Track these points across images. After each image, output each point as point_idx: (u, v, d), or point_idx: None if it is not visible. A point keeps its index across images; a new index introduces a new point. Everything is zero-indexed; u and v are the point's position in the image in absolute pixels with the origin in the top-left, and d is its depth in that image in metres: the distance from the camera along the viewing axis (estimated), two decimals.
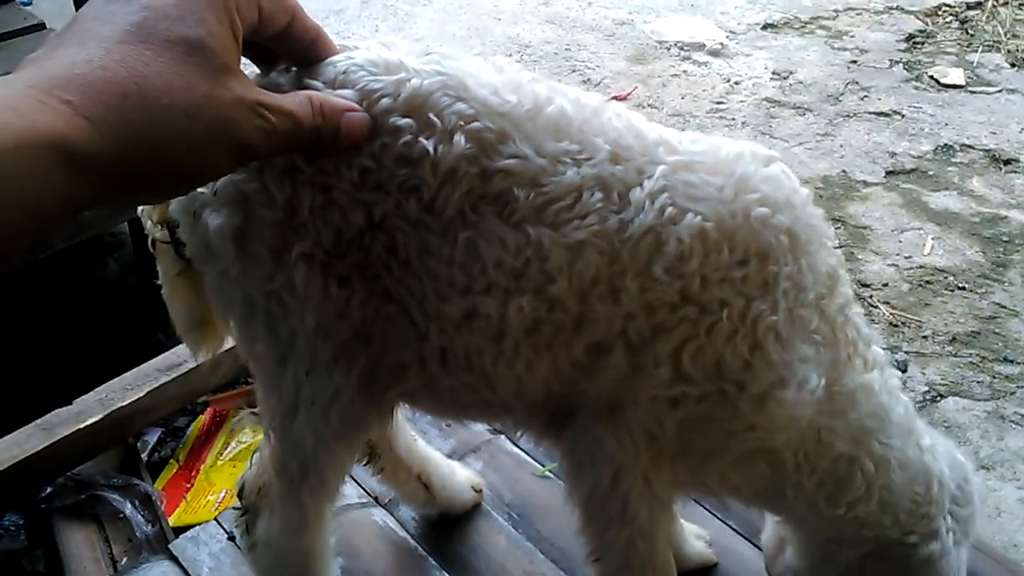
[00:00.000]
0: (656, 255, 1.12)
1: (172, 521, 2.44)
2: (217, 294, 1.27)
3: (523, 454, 2.07)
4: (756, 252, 1.14)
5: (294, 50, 1.08)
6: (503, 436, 2.11)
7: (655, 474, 1.27)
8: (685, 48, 5.81)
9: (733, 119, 4.97)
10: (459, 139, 1.09)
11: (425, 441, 1.87)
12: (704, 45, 5.81)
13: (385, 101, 1.09)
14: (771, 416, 1.19)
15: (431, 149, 1.09)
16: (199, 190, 1.17)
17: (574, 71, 5.64)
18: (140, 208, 1.30)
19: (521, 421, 1.33)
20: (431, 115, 1.10)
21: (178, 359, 2.31)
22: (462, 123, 1.10)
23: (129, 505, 2.37)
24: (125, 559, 2.21)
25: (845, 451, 1.27)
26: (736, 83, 5.36)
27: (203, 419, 2.81)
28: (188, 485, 2.63)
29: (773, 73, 5.46)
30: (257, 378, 1.33)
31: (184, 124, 0.83)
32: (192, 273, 1.31)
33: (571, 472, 1.31)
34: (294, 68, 1.11)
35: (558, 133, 1.13)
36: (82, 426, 2.20)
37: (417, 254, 1.13)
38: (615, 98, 5.19)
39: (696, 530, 1.82)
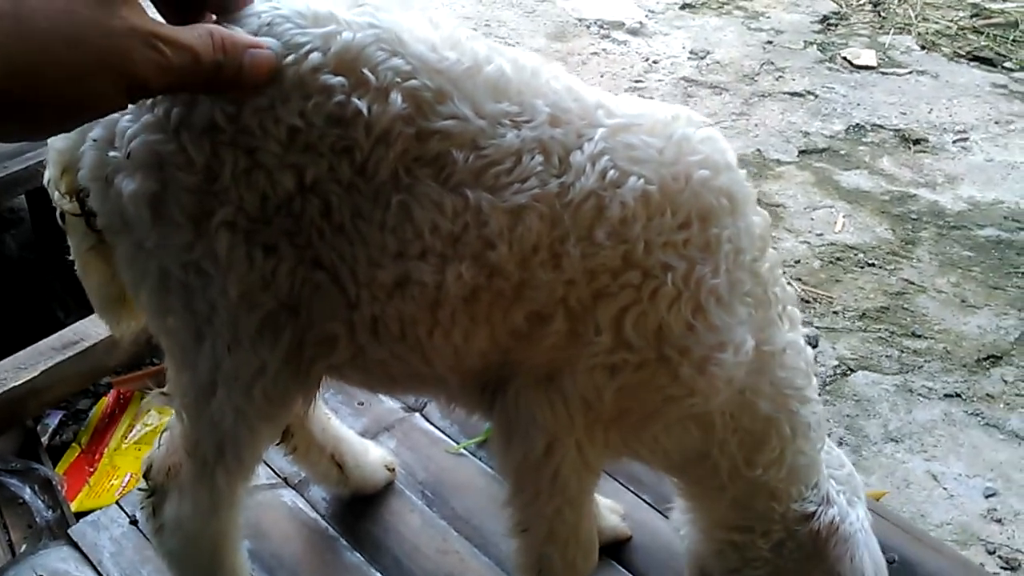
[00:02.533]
0: (598, 219, 1.10)
1: (75, 506, 2.36)
2: (129, 267, 1.20)
3: (437, 431, 2.04)
4: (698, 215, 1.13)
5: None
6: (417, 414, 2.08)
7: (588, 442, 1.25)
8: (605, 26, 5.80)
9: (651, 98, 4.98)
10: (395, 98, 1.05)
11: (337, 419, 1.82)
12: (623, 23, 5.81)
13: (315, 56, 1.04)
14: (711, 380, 1.19)
15: (365, 109, 1.05)
16: (110, 154, 1.10)
17: None
18: (46, 179, 1.22)
19: (455, 393, 1.31)
20: (365, 71, 1.05)
21: (75, 337, 2.20)
22: (398, 80, 1.06)
23: (28, 490, 2.30)
24: (24, 545, 2.13)
25: (766, 411, 1.28)
26: (654, 62, 5.37)
27: (106, 401, 2.73)
28: (91, 469, 2.54)
29: (691, 53, 5.48)
30: (168, 355, 1.26)
31: (65, 51, 0.78)
32: (106, 247, 1.23)
33: (502, 441, 1.29)
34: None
35: (497, 94, 1.10)
36: None
37: (350, 218, 1.09)
38: None
39: (610, 504, 1.82)
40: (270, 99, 1.04)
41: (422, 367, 1.20)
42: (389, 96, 1.05)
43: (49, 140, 1.20)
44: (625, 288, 1.13)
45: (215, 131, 1.05)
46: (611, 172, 1.10)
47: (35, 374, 2.14)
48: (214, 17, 1.03)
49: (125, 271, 1.22)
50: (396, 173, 1.08)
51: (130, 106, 0.94)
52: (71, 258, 1.30)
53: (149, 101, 1.07)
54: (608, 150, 1.11)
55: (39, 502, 2.28)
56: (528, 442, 1.25)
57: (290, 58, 1.04)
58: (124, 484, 2.44)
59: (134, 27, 0.82)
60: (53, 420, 2.67)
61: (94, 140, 1.12)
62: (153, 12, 0.93)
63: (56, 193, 1.22)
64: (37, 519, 2.23)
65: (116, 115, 1.09)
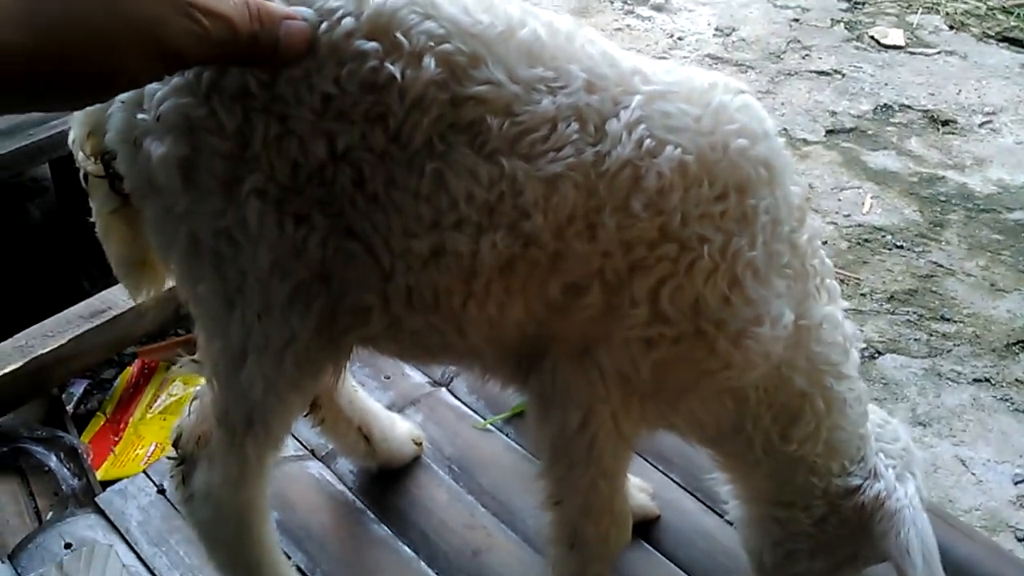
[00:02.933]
0: (635, 189, 1.08)
1: (100, 475, 2.37)
2: (158, 232, 1.18)
3: (464, 407, 2.03)
4: (735, 186, 1.11)
5: None
6: (443, 388, 2.07)
7: (623, 414, 1.24)
8: (629, 2, 5.75)
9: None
10: (428, 62, 1.03)
11: (365, 393, 1.81)
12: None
13: (348, 21, 1.02)
14: (748, 354, 1.17)
15: (398, 74, 1.03)
16: (139, 116, 1.08)
17: None
18: (71, 139, 1.20)
19: (489, 365, 1.29)
20: (398, 35, 1.03)
21: (102, 306, 2.19)
22: (432, 44, 1.04)
23: (54, 458, 2.30)
24: (51, 513, 2.14)
25: (800, 386, 1.26)
26: (679, 39, 5.33)
27: (131, 371, 2.73)
28: (116, 438, 2.55)
29: (716, 30, 5.43)
30: (199, 322, 1.25)
31: (102, 19, 0.76)
32: (129, 210, 1.22)
33: (538, 413, 1.28)
34: None
35: (532, 58, 1.07)
36: (1, 374, 2.09)
37: (383, 187, 1.07)
38: None
39: (639, 483, 1.81)
40: (304, 67, 1.02)
41: (457, 338, 1.19)
42: (423, 60, 1.03)
43: None
44: (662, 261, 1.11)
45: (247, 96, 1.03)
46: (647, 141, 1.08)
47: (62, 342, 2.14)
48: None
49: (154, 236, 1.20)
50: (430, 140, 1.06)
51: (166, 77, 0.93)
52: (93, 221, 1.28)
53: None
54: (644, 118, 1.09)
55: (65, 470, 2.28)
56: (564, 414, 1.24)
57: (323, 25, 1.02)
58: (149, 454, 2.44)
59: None
60: (78, 389, 2.68)
61: (122, 102, 1.11)
62: None
63: (81, 154, 1.21)
64: (63, 487, 2.24)
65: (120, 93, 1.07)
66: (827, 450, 1.31)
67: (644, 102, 1.09)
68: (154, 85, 1.06)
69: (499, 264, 1.10)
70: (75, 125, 1.19)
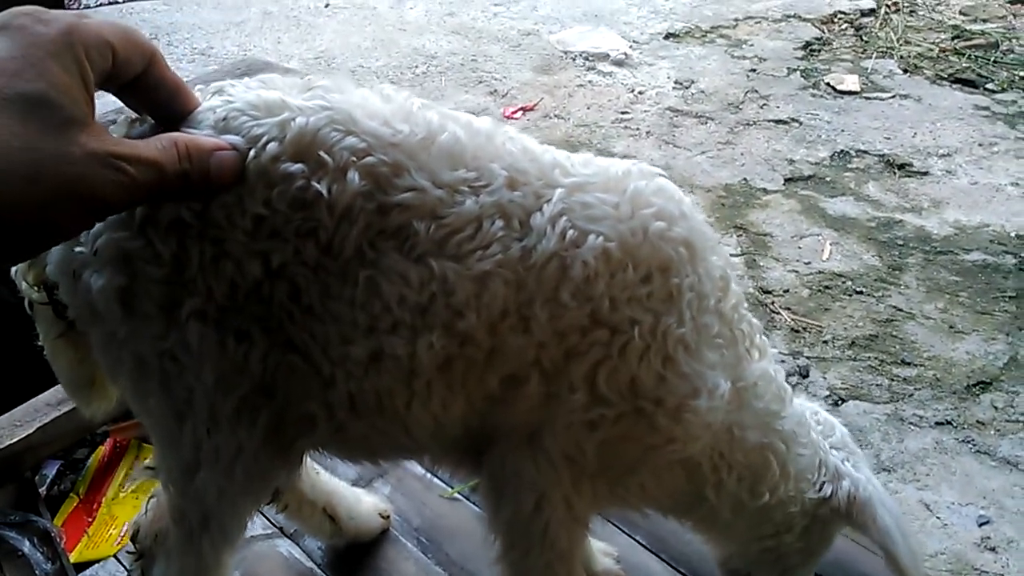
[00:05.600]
0: (563, 280, 1.12)
1: (73, 557, 2.35)
2: (105, 355, 1.21)
3: (431, 476, 2.05)
4: (658, 267, 1.15)
5: (156, 100, 1.01)
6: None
7: (576, 496, 1.27)
8: (590, 58, 5.87)
9: (638, 129, 5.03)
10: (352, 176, 1.07)
11: (332, 466, 1.84)
12: (608, 55, 5.88)
13: (272, 146, 1.05)
14: (688, 426, 1.20)
15: (325, 191, 1.06)
16: (76, 249, 1.11)
17: (481, 82, 5.65)
18: (13, 270, 1.23)
19: (437, 457, 1.32)
20: (321, 153, 1.06)
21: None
22: (354, 159, 1.07)
23: (27, 543, 2.28)
24: None
25: (755, 440, 1.31)
26: (640, 93, 5.43)
27: (103, 450, 2.73)
28: (89, 519, 2.54)
29: (676, 83, 5.54)
30: (152, 434, 1.27)
31: (25, 188, 0.77)
32: (74, 334, 1.25)
33: (492, 500, 1.30)
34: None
35: (453, 161, 1.11)
36: None
37: (319, 298, 1.10)
38: (523, 109, 5.21)
39: (604, 547, 1.82)
40: (236, 192, 1.06)
41: (404, 438, 1.21)
42: (347, 175, 1.06)
43: None
44: (594, 345, 1.15)
45: (181, 225, 1.06)
46: (570, 232, 1.11)
47: (31, 431, 2.15)
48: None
49: (101, 359, 1.23)
50: (361, 248, 1.09)
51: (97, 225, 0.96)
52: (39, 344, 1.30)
53: None
54: (566, 210, 1.12)
55: (38, 554, 2.27)
56: (517, 500, 1.26)
57: (251, 151, 1.05)
58: (122, 534, 2.44)
59: (93, 151, 0.83)
60: (51, 470, 2.67)
61: None
62: None
63: (24, 284, 1.23)
64: (37, 572, 2.22)
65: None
66: (796, 479, 1.37)
67: (565, 195, 1.13)
68: None
69: (437, 363, 1.13)
70: None
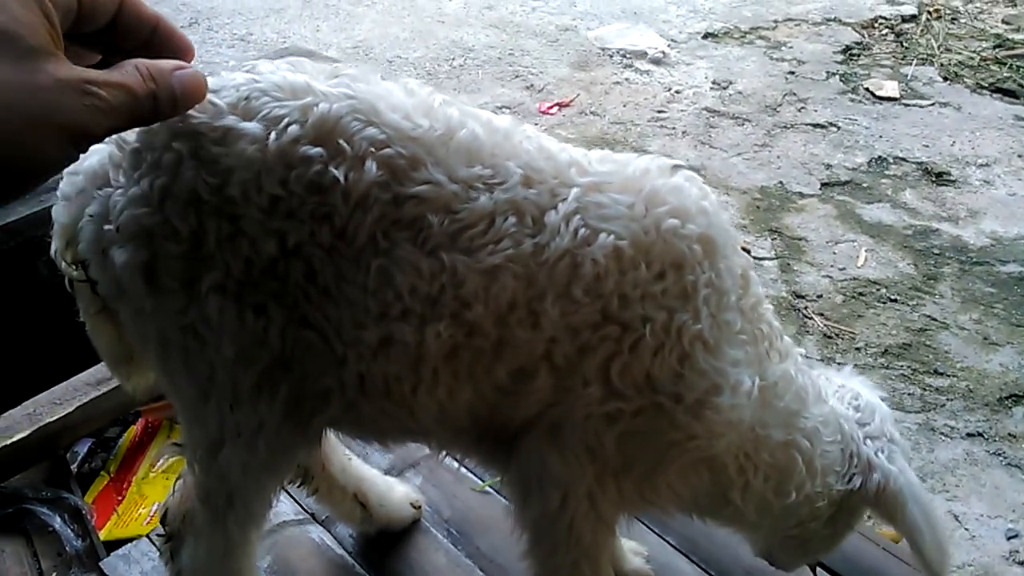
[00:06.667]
0: (575, 277, 1.13)
1: (103, 535, 2.37)
2: (133, 331, 1.25)
3: (463, 469, 2.06)
4: (672, 264, 1.16)
5: (135, 41, 0.98)
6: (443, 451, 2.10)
7: (600, 493, 1.28)
8: (627, 56, 5.85)
9: (674, 128, 5.01)
10: (370, 166, 1.09)
11: (364, 456, 1.85)
12: (646, 53, 5.85)
13: (293, 129, 1.08)
14: (709, 423, 1.21)
15: (342, 177, 1.08)
16: (105, 227, 1.14)
17: (517, 76, 5.64)
18: (53, 250, 1.27)
19: (446, 443, 1.35)
20: (341, 141, 1.09)
21: (108, 373, 2.24)
22: (373, 149, 1.09)
23: (58, 519, 2.31)
24: (54, 574, 2.15)
25: (780, 438, 1.32)
26: (677, 92, 5.41)
27: (135, 430, 2.75)
28: (119, 498, 2.56)
29: (713, 83, 5.52)
30: (179, 412, 1.31)
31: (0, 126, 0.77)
32: (112, 310, 1.28)
33: (520, 496, 1.32)
34: None
35: (470, 158, 1.13)
36: (9, 442, 2.14)
37: (334, 281, 1.12)
38: (558, 104, 5.20)
39: (634, 546, 1.83)
40: (254, 171, 1.08)
41: (409, 422, 1.24)
42: (365, 164, 1.09)
43: (53, 214, 1.25)
44: (605, 341, 1.16)
45: (199, 202, 1.09)
46: (582, 230, 1.13)
47: (70, 410, 2.18)
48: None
49: (130, 334, 1.27)
50: (374, 237, 1.11)
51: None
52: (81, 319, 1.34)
53: (136, 174, 1.11)
54: (580, 209, 1.14)
55: (69, 531, 2.29)
56: (543, 496, 1.28)
57: (271, 132, 1.08)
58: (152, 513, 2.46)
59: (63, 79, 0.82)
60: (82, 448, 2.69)
61: (90, 216, 1.17)
62: None
63: (63, 263, 1.27)
64: (67, 547, 2.25)
65: (109, 190, 1.14)
66: (823, 474, 1.38)
67: (580, 194, 1.15)
68: (114, 197, 1.13)
69: (444, 352, 1.15)
70: (55, 237, 1.26)
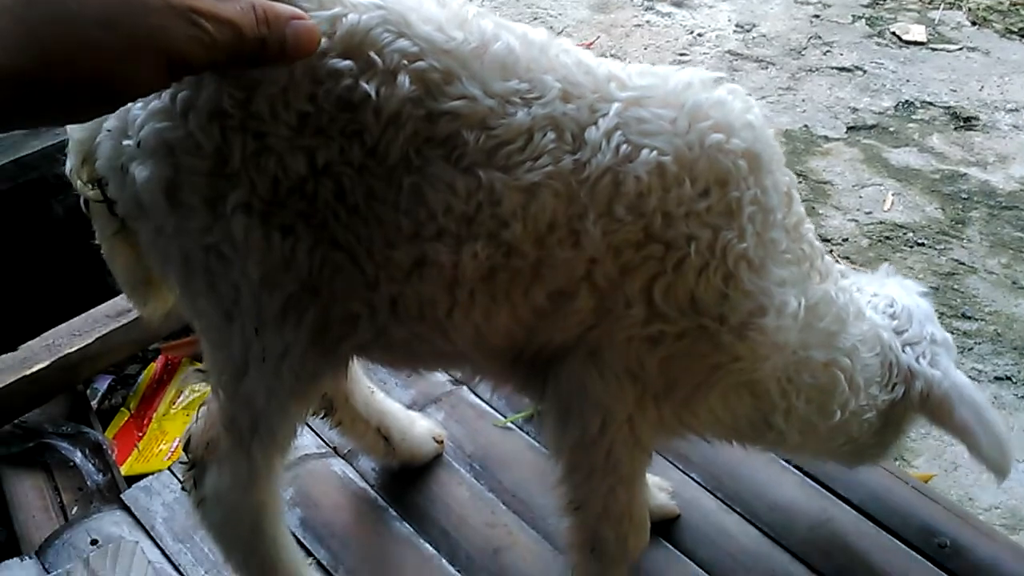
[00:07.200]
0: (616, 195, 1.09)
1: (124, 470, 2.39)
2: (153, 251, 1.20)
3: (485, 405, 2.04)
4: (716, 180, 1.12)
5: None
6: (465, 386, 2.08)
7: (640, 417, 1.25)
8: None
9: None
10: (403, 80, 1.04)
11: (385, 391, 1.83)
12: None
13: (322, 41, 1.02)
14: (754, 345, 1.19)
15: (373, 92, 1.03)
16: (124, 143, 1.10)
17: (536, 18, 5.55)
18: (68, 167, 1.23)
19: (480, 368, 1.31)
20: (372, 54, 1.04)
21: (128, 304, 2.22)
22: (405, 62, 1.04)
23: (79, 454, 2.32)
24: (76, 508, 2.16)
25: (821, 359, 1.29)
26: (699, 35, 5.31)
27: (155, 367, 2.75)
28: (140, 434, 2.57)
29: (736, 26, 5.41)
30: (202, 335, 1.27)
31: (100, 35, 0.74)
32: (129, 231, 1.24)
33: (557, 421, 1.29)
34: None
35: (505, 72, 1.08)
36: (28, 372, 2.13)
37: (364, 200, 1.08)
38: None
39: (659, 482, 1.81)
40: (280, 85, 1.04)
41: (444, 345, 1.20)
42: (397, 78, 1.04)
43: (68, 129, 1.21)
44: (648, 260, 1.13)
45: (223, 116, 1.04)
46: (624, 147, 1.09)
47: (89, 341, 2.17)
48: None
49: (150, 256, 1.23)
50: (407, 155, 1.07)
51: (174, 85, 0.92)
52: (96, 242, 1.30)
53: None
54: (621, 124, 1.10)
55: (90, 466, 2.30)
56: (583, 419, 1.25)
57: None
58: (172, 449, 2.46)
59: (172, 3, 0.79)
60: (102, 385, 2.70)
61: (108, 130, 1.13)
62: None
63: (79, 182, 1.23)
64: (88, 482, 2.26)
65: (128, 104, 1.08)
66: (867, 388, 1.36)
67: (621, 109, 1.10)
68: (134, 111, 1.08)
69: (481, 273, 1.11)
70: (70, 154, 1.21)
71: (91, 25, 0.74)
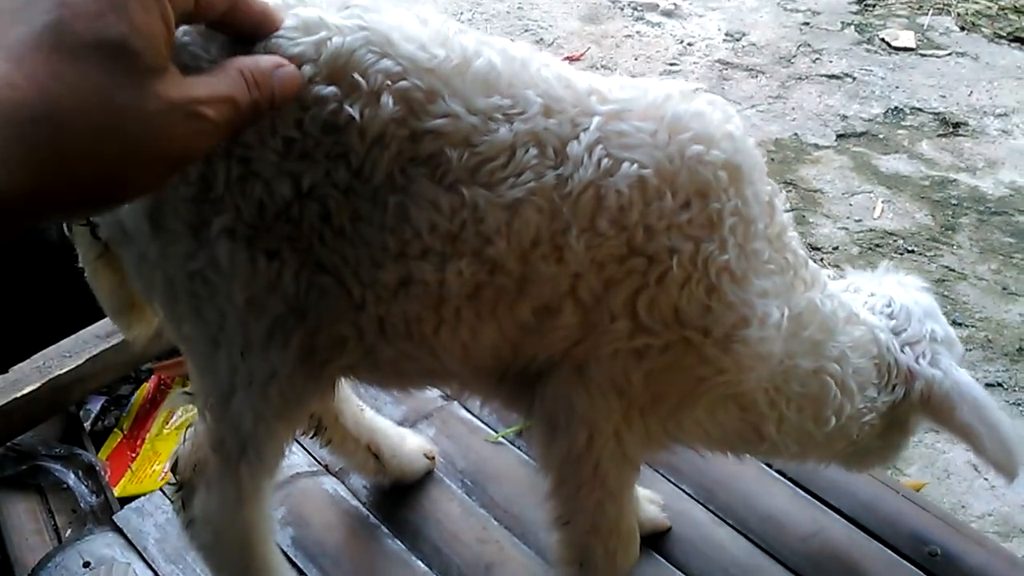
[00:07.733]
0: (599, 209, 1.09)
1: (117, 491, 2.38)
2: (138, 277, 1.20)
3: (476, 420, 2.04)
4: (696, 192, 1.11)
5: (240, 31, 0.98)
6: (455, 402, 2.08)
7: (627, 431, 1.25)
8: (638, 8, 5.76)
9: (686, 81, 4.94)
10: (386, 101, 1.04)
11: (376, 408, 1.83)
12: (657, 5, 5.76)
13: (307, 68, 1.02)
14: (738, 357, 1.18)
15: (357, 115, 1.03)
16: None
17: (527, 31, 5.57)
18: None
19: (468, 384, 1.32)
20: (356, 75, 1.03)
21: None
22: (388, 82, 1.04)
23: (72, 475, 2.32)
24: (69, 530, 2.16)
25: (808, 366, 1.28)
26: (689, 44, 5.33)
27: (147, 387, 2.75)
28: (133, 455, 2.57)
29: (726, 35, 5.44)
30: (188, 360, 1.27)
31: (102, 148, 0.72)
32: (113, 254, 1.24)
33: (545, 436, 1.29)
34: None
35: (488, 88, 1.08)
36: (19, 395, 2.13)
37: (349, 221, 1.08)
38: (569, 59, 5.14)
39: (649, 495, 1.81)
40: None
41: (431, 363, 1.20)
42: (380, 99, 1.04)
43: None
44: (631, 274, 1.13)
45: None
46: (605, 161, 1.09)
47: (80, 362, 2.17)
48: None
49: (135, 281, 1.23)
50: (392, 175, 1.06)
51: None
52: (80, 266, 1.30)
53: None
54: (602, 139, 1.10)
55: (83, 487, 2.30)
56: (570, 434, 1.26)
57: None
58: (166, 470, 2.46)
59: (172, 102, 0.77)
60: (95, 406, 2.69)
61: None
62: None
63: None
64: (81, 504, 2.26)
65: None
66: (862, 392, 1.35)
67: (602, 123, 1.10)
68: None
69: (467, 291, 1.11)
70: None
71: (92, 141, 0.72)
